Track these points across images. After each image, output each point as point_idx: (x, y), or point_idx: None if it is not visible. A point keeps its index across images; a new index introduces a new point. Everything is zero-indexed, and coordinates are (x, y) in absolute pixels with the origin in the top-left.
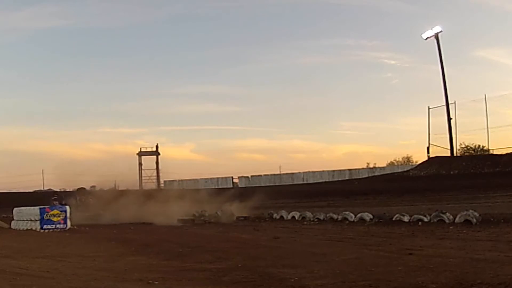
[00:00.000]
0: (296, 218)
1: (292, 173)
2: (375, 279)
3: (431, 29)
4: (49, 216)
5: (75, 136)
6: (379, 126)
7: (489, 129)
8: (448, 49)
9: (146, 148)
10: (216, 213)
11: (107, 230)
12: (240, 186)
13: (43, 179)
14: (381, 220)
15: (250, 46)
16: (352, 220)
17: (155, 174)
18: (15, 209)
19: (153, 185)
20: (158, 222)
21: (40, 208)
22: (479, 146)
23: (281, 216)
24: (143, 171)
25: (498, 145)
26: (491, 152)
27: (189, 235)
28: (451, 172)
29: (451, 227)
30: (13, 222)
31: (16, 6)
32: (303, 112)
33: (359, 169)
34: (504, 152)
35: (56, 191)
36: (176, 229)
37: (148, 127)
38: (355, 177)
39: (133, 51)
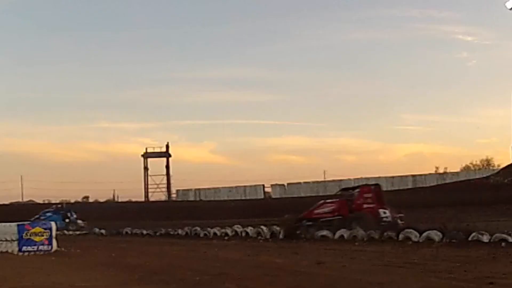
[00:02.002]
0: (345, 237)
1: (340, 180)
2: None
3: None
4: (30, 235)
5: (63, 133)
6: (450, 120)
7: None
8: None
9: (154, 148)
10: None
11: (104, 253)
12: (273, 196)
13: (22, 188)
14: (453, 240)
15: (285, 18)
16: (416, 240)
17: (164, 181)
18: None
19: (162, 196)
20: None
21: (18, 225)
22: None
23: (325, 235)
24: (149, 178)
25: None
26: None
27: (208, 259)
28: None
29: None
30: None
31: None
32: (353, 102)
33: (425, 174)
34: None
35: (39, 203)
36: (191, 251)
37: (156, 121)
38: (421, 185)
39: (139, 23)
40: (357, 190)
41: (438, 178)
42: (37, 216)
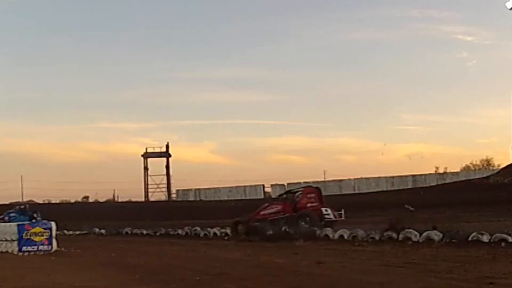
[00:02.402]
0: (345, 237)
1: (340, 180)
2: None
3: None
4: (30, 235)
5: (63, 133)
6: (450, 120)
7: None
8: None
9: (154, 148)
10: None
11: (104, 252)
12: (273, 196)
13: (22, 188)
14: (453, 240)
15: (285, 18)
16: (416, 240)
17: (164, 181)
18: None
19: (162, 196)
20: None
21: (18, 225)
22: None
23: (326, 235)
24: (149, 178)
25: None
26: None
27: (208, 259)
28: None
29: None
30: None
31: None
32: (353, 102)
33: (425, 175)
34: None
35: (39, 203)
36: (191, 251)
37: (156, 121)
38: (421, 185)
39: (139, 23)
40: (300, 192)
41: (438, 178)
42: (1, 216)
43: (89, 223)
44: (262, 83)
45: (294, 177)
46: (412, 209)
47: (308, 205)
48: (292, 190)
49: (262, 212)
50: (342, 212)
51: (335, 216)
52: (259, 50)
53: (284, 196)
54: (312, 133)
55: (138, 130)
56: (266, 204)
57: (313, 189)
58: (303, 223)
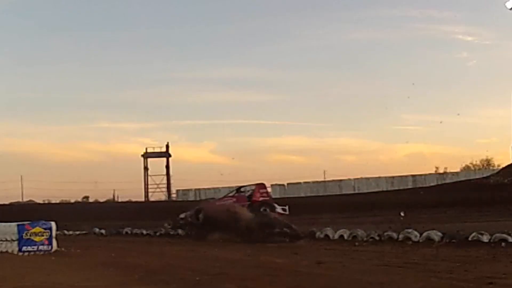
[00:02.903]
0: (345, 237)
1: (340, 180)
2: None
3: None
4: (30, 235)
5: (63, 133)
6: (450, 120)
7: None
8: None
9: (154, 148)
10: None
11: (103, 253)
12: (273, 196)
13: (22, 188)
14: (453, 240)
15: (285, 18)
16: (416, 240)
17: (164, 181)
18: None
19: (162, 196)
20: None
21: (18, 225)
22: None
23: (326, 235)
24: (149, 178)
25: None
26: None
27: (208, 259)
28: None
29: None
30: None
31: None
32: (353, 102)
33: (425, 175)
34: None
35: (39, 203)
36: (191, 251)
37: (156, 121)
38: (421, 185)
39: (139, 23)
40: (252, 188)
41: (438, 178)
42: None
43: (89, 223)
44: (262, 83)
45: (294, 177)
46: (403, 215)
47: (261, 198)
48: (241, 187)
49: (218, 203)
50: (287, 207)
51: (283, 209)
52: (259, 50)
53: (234, 192)
54: (312, 133)
55: (138, 130)
56: (219, 198)
57: (265, 185)
58: (263, 211)
